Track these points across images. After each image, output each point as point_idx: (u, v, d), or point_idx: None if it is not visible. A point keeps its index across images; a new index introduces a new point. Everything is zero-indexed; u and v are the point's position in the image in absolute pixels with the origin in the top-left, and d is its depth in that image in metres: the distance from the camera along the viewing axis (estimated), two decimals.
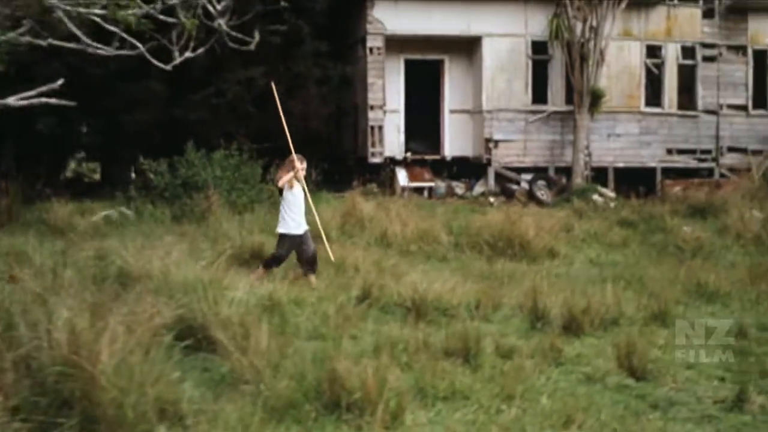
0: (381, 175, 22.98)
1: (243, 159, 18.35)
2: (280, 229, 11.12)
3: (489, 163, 23.32)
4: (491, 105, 23.28)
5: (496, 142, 23.31)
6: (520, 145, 23.45)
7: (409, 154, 23.63)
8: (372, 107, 22.83)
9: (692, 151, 24.73)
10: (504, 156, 23.39)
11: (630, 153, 24.12)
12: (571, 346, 8.40)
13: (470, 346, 7.74)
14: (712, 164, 24.81)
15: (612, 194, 22.67)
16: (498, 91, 23.32)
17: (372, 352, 7.64)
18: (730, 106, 25.04)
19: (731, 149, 24.93)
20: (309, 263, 11.15)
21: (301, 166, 11.21)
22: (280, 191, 11.24)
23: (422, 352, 7.75)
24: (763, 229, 16.30)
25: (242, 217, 15.86)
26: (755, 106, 25.14)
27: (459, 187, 23.76)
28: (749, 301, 10.96)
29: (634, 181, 23.31)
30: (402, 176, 23.32)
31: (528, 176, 23.27)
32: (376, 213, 15.89)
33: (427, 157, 23.77)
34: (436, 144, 24.21)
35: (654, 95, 24.57)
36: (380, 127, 22.90)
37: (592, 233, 16.06)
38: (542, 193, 22.42)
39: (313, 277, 10.97)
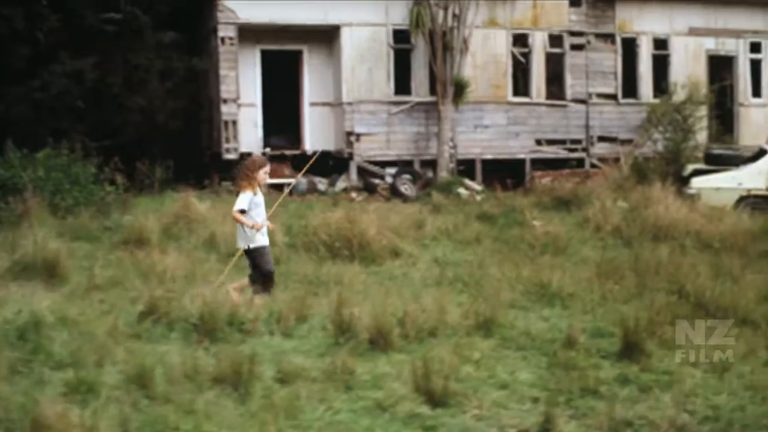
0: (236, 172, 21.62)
1: (74, 158, 16.81)
2: (252, 244, 9.71)
3: (351, 157, 22.23)
4: (352, 97, 22.18)
5: (358, 135, 22.23)
6: (383, 138, 22.40)
7: (268, 150, 22.33)
8: (225, 101, 21.49)
9: (562, 142, 24.04)
10: (367, 150, 22.31)
11: (498, 144, 23.30)
12: (370, 365, 7.28)
13: (242, 371, 6.56)
14: (583, 154, 24.16)
15: (478, 187, 21.80)
16: (359, 82, 22.24)
17: (125, 383, 6.40)
18: (600, 95, 24.43)
19: (602, 139, 24.30)
20: (267, 281, 9.91)
21: (264, 169, 10.05)
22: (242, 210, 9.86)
23: (188, 381, 6.55)
24: (624, 220, 15.53)
25: (63, 222, 14.40)
26: (625, 95, 24.58)
27: (321, 183, 22.61)
28: (591, 303, 10.05)
29: (504, 173, 22.55)
30: (261, 173, 22.00)
31: (393, 170, 22.25)
32: (210, 213, 14.60)
33: (287, 152, 22.52)
34: (296, 138, 23.02)
35: (522, 85, 23.82)
36: (234, 122, 21.59)
37: (444, 229, 15.04)
38: (406, 187, 21.40)
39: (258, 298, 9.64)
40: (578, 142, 24.17)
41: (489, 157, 23.18)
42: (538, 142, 23.77)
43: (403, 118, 22.51)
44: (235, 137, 21.58)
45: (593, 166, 23.94)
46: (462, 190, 21.20)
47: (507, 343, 8.14)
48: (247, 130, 22.13)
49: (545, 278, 10.80)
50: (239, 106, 21.72)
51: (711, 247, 13.94)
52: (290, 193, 21.86)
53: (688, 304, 9.85)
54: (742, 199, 17.99)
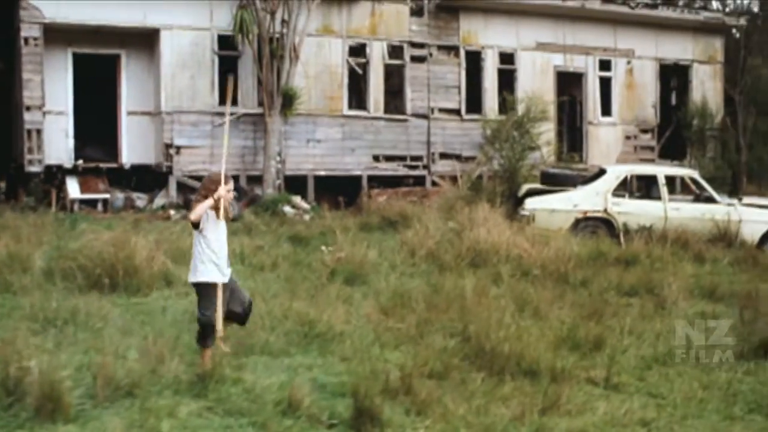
0: (42, 186, 19.69)
1: None
2: (200, 277, 7.91)
3: (170, 171, 20.49)
4: (172, 106, 20.45)
5: (178, 147, 20.51)
6: (206, 151, 20.69)
7: (80, 162, 20.44)
8: (28, 108, 19.51)
9: (402, 158, 22.79)
10: (188, 163, 20.61)
11: (332, 160, 21.89)
12: None
13: None
14: (424, 172, 22.95)
15: (306, 206, 20.32)
16: (180, 90, 20.53)
17: None
18: (442, 110, 23.31)
19: (444, 156, 23.15)
20: (245, 314, 8.36)
21: (226, 187, 8.08)
22: (195, 225, 7.96)
23: None
24: (441, 244, 14.21)
25: None
26: (469, 110, 23.50)
27: (141, 199, 20.83)
28: (360, 346, 8.62)
29: (340, 191, 21.18)
30: (73, 187, 20.15)
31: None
32: None
33: (102, 165, 20.65)
34: (113, 150, 21.15)
35: (359, 97, 22.48)
36: (39, 131, 19.61)
37: (239, 253, 13.44)
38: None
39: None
40: (419, 158, 22.96)
41: (322, 173, 21.74)
42: (376, 159, 22.46)
43: (228, 131, 20.82)
44: (40, 148, 19.58)
45: (434, 184, 22.76)
46: (288, 209, 19.69)
47: (218, 405, 6.61)
48: (56, 140, 20.20)
49: (317, 315, 9.35)
50: (45, 113, 19.75)
51: (529, 275, 12.76)
52: (105, 209, 20.26)
53: (468, 349, 8.52)
54: (578, 222, 16.98)
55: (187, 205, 19.95)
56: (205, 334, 7.73)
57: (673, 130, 26.70)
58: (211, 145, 20.67)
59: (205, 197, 7.95)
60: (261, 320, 9.21)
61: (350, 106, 22.15)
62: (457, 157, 23.21)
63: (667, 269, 13.77)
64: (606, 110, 25.83)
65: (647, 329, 9.98)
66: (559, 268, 12.98)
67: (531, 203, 17.16)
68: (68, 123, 20.45)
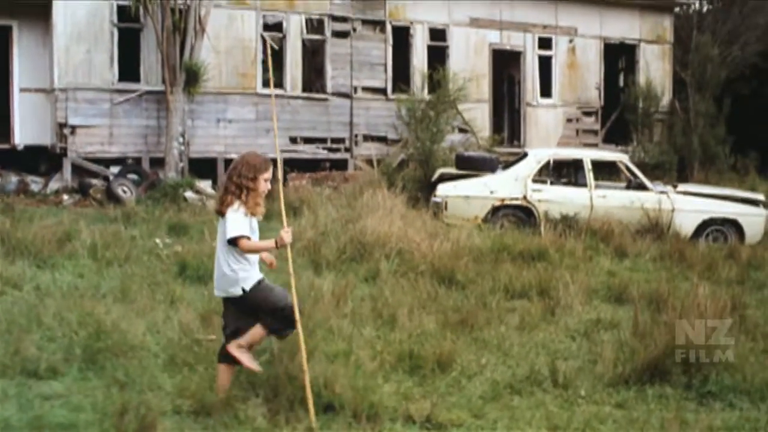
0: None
1: None
2: (248, 283, 6.26)
3: (65, 153, 18.95)
4: (66, 82, 18.88)
5: (73, 127, 18.97)
6: (104, 131, 19.21)
7: None
8: None
9: (322, 140, 21.32)
10: (85, 144, 19.08)
11: (244, 142, 20.28)
12: None
13: None
14: (346, 155, 21.50)
15: (211, 190, 18.84)
16: (75, 65, 18.96)
17: None
18: (366, 89, 21.84)
19: (368, 138, 21.69)
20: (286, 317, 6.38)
21: (265, 175, 6.32)
22: (232, 242, 6.18)
23: None
24: (322, 236, 12.76)
25: None
26: (396, 89, 22.00)
27: (36, 183, 19.31)
28: (139, 369, 7.11)
29: None
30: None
31: (117, 169, 19.09)
32: None
33: None
34: (5, 130, 19.58)
35: (276, 74, 20.96)
36: None
37: (89, 245, 11.94)
38: (125, 189, 18.20)
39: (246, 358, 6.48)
40: (341, 141, 21.51)
41: (233, 156, 20.19)
42: (294, 141, 20.99)
43: (129, 109, 19.37)
44: None
45: (358, 168, 21.31)
46: (190, 194, 18.19)
47: None
48: None
49: (118, 322, 7.91)
50: None
51: (412, 273, 11.31)
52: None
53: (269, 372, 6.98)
54: (495, 210, 15.53)
55: (82, 190, 18.52)
56: (292, 320, 6.31)
57: (619, 113, 25.33)
58: (110, 124, 19.22)
59: (239, 188, 6.18)
60: (48, 330, 7.77)
61: (265, 84, 20.60)
62: (383, 140, 21.78)
63: (579, 266, 12.35)
64: (546, 91, 24.46)
65: (524, 342, 8.55)
66: (448, 265, 11.49)
67: (443, 189, 15.74)
68: None
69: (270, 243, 6.23)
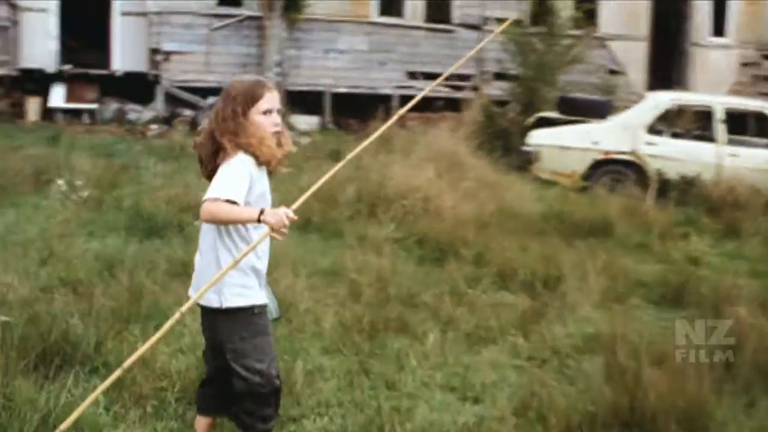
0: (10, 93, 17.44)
1: None
2: (234, 300, 3.89)
3: (157, 80, 17.75)
4: (161, 5, 17.59)
5: (167, 53, 17.70)
6: (200, 58, 17.82)
7: (68, 67, 18.01)
8: None
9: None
10: (179, 72, 17.79)
11: (356, 75, 18.53)
12: None
13: None
14: (472, 95, 19.20)
15: (307, 127, 17.15)
16: None
17: None
18: (500, 20, 19.36)
19: (500, 76, 19.24)
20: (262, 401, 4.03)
21: (266, 103, 3.94)
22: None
23: None
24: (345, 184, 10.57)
25: None
26: (536, 22, 19.33)
27: (135, 111, 18.21)
28: None
29: (364, 113, 17.84)
30: (58, 95, 17.83)
31: (213, 99, 17.70)
32: None
33: (93, 71, 18.13)
34: (104, 56, 18.55)
35: (394, 1, 18.93)
36: (5, 28, 17.24)
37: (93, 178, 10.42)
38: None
39: None
40: (467, 78, 19.24)
41: (343, 90, 18.46)
42: (412, 75, 18.92)
43: (228, 36, 17.89)
44: (6, 49, 17.25)
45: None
46: None
47: None
48: (36, 40, 17.76)
49: None
50: (15, 8, 17.35)
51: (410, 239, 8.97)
52: (92, 120, 17.85)
53: None
54: (597, 165, 12.87)
55: (172, 120, 17.29)
56: (267, 402, 4.00)
57: None
58: (207, 51, 17.79)
59: (234, 125, 3.83)
60: None
61: (382, 12, 18.58)
62: (515, 78, 19.31)
63: (652, 247, 9.60)
64: (719, 29, 21.14)
65: (436, 364, 5.82)
66: (455, 233, 8.95)
67: (537, 136, 13.26)
68: (50, 21, 17.93)
69: (252, 214, 3.69)
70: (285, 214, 3.60)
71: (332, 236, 8.93)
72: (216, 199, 3.61)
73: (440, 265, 8.09)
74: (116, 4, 18.19)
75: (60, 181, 9.94)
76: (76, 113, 17.87)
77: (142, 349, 3.47)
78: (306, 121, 17.41)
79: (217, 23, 17.75)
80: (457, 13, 19.17)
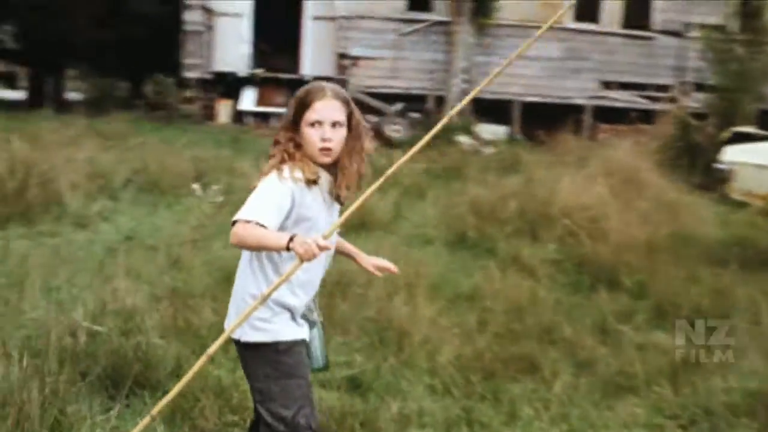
0: (204, 95, 17.80)
1: None
2: (256, 335, 3.31)
3: (344, 85, 17.61)
4: (350, 9, 17.50)
5: (355, 59, 17.59)
6: (387, 64, 17.62)
7: (260, 71, 18.25)
8: (188, 5, 17.56)
9: (641, 87, 18.15)
10: (366, 78, 17.66)
11: (547, 83, 17.85)
12: None
13: None
14: (670, 106, 18.09)
15: (489, 136, 16.59)
16: None
17: None
18: (705, 27, 18.12)
19: (700, 87, 18.07)
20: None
21: (316, 113, 3.26)
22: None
23: None
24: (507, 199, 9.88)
25: None
26: (744, 28, 18.06)
27: None
28: None
29: (555, 123, 17.17)
30: (249, 99, 18.10)
31: (400, 106, 17.49)
32: None
33: (283, 75, 18.28)
34: (293, 60, 18.67)
35: (588, 6, 18.10)
36: (199, 32, 17.60)
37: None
38: (396, 128, 16.55)
39: None
40: (665, 89, 18.17)
41: (533, 99, 17.80)
42: (606, 85, 18.04)
43: (416, 41, 17.63)
44: (200, 52, 17.60)
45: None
46: (464, 138, 16.13)
47: None
48: (229, 44, 18.08)
49: None
50: (210, 13, 17.68)
51: (572, 262, 8.20)
52: None
53: None
54: None
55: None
56: None
57: None
58: (394, 57, 17.57)
59: (294, 124, 3.26)
60: None
61: (577, 18, 17.82)
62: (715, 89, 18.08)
63: None
64: None
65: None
66: (620, 259, 8.08)
67: (731, 153, 12.14)
68: (243, 26, 18.20)
69: (280, 240, 3.04)
70: (315, 242, 3.01)
71: (484, 254, 8.32)
72: (247, 221, 3.12)
73: (594, 293, 7.33)
74: (308, 5, 18.22)
75: (195, 185, 9.90)
76: (264, 116, 18.04)
77: (171, 394, 3.09)
78: (491, 131, 16.88)
79: (406, 28, 17.49)
80: (658, 18, 18.11)
